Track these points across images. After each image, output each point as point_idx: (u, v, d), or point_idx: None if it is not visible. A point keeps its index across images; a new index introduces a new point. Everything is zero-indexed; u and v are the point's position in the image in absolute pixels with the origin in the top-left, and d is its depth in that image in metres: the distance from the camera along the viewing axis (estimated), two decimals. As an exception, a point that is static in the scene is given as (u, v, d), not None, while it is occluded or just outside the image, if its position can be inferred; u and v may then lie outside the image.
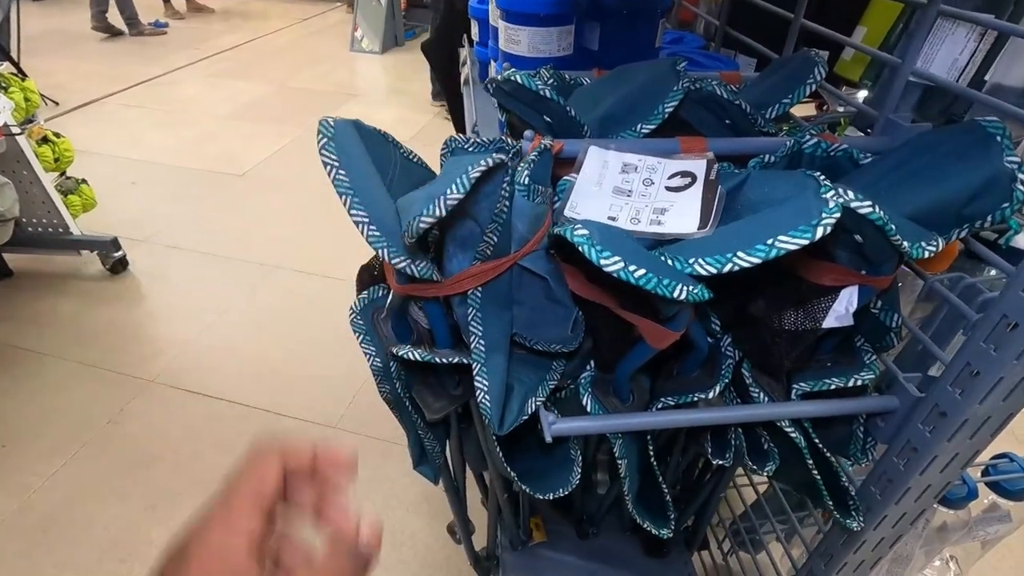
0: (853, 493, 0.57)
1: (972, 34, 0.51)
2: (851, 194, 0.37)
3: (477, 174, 0.35)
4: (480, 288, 0.45)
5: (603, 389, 0.53)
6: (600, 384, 0.53)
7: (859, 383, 0.52)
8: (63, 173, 1.98)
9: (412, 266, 0.40)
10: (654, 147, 0.50)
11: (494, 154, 0.36)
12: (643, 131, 0.53)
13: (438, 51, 1.29)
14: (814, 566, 0.68)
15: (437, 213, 0.34)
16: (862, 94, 0.77)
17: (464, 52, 1.09)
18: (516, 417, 0.47)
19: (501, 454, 0.50)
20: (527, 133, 0.47)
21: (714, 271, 0.38)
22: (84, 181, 2.05)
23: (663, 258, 0.40)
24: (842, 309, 0.46)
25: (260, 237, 2.27)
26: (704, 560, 1.09)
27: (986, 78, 0.55)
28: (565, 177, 0.47)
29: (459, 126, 1.34)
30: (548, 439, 0.48)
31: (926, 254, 0.40)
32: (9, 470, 1.41)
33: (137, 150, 2.90)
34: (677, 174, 0.45)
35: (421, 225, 0.35)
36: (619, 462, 0.54)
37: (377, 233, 0.39)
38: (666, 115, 0.52)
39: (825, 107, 0.91)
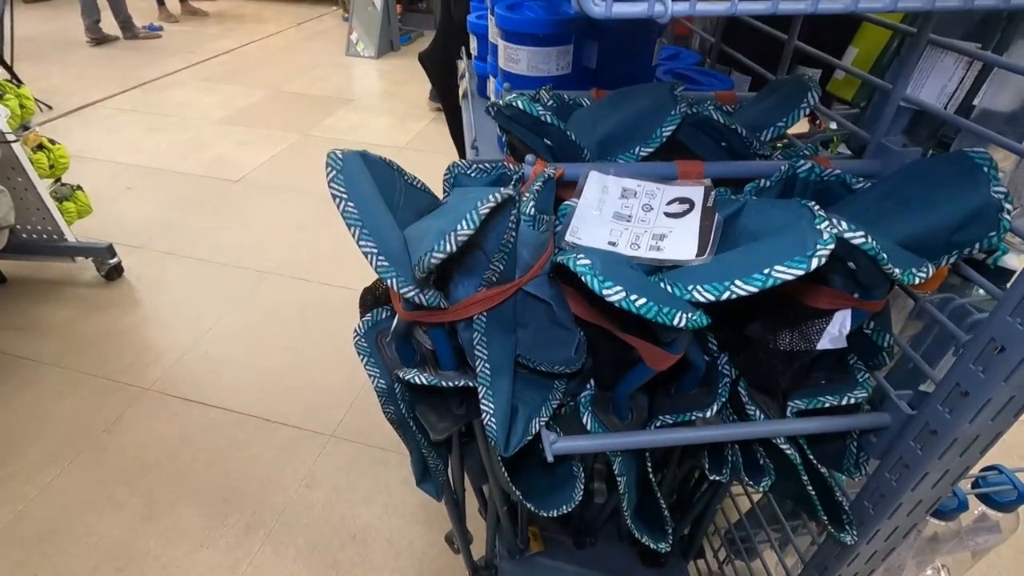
0: (847, 508, 0.58)
1: (960, 62, 0.53)
2: (844, 224, 0.38)
3: (486, 210, 0.36)
4: (485, 313, 0.46)
5: (603, 407, 0.54)
6: (600, 402, 0.54)
7: (852, 401, 0.53)
8: (58, 180, 1.98)
9: (421, 295, 0.41)
10: (652, 171, 0.51)
11: (501, 189, 0.37)
12: (641, 154, 0.54)
13: (434, 63, 1.30)
14: (809, 577, 0.70)
15: (448, 249, 0.35)
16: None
17: (462, 65, 1.10)
18: (521, 438, 0.48)
19: (506, 474, 0.51)
20: (529, 158, 0.48)
21: (712, 299, 0.39)
22: (79, 187, 2.04)
23: (662, 284, 0.41)
24: (836, 331, 0.47)
25: (256, 243, 2.27)
26: (700, 569, 1.10)
27: (975, 103, 0.56)
28: (566, 202, 0.48)
29: (457, 140, 1.35)
30: (550, 459, 0.49)
31: (917, 280, 0.42)
32: (3, 479, 1.40)
33: (132, 155, 2.89)
34: (676, 200, 0.46)
35: (432, 261, 0.35)
36: (618, 479, 0.55)
37: (386, 264, 0.40)
38: (664, 139, 0.53)
39: (818, 123, 0.93)
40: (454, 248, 0.35)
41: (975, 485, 0.73)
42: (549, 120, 0.50)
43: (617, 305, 0.36)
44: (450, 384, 0.47)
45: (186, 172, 2.76)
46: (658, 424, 0.53)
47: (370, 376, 0.53)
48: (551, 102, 0.60)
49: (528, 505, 0.53)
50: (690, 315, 0.38)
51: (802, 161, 0.50)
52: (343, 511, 1.36)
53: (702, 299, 0.39)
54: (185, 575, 1.23)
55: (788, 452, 0.55)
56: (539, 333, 0.48)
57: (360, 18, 4.25)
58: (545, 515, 0.54)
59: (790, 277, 0.36)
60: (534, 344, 0.48)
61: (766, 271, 0.37)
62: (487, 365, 0.46)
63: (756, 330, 0.50)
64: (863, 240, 0.37)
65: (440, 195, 0.51)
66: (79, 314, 1.92)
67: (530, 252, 0.43)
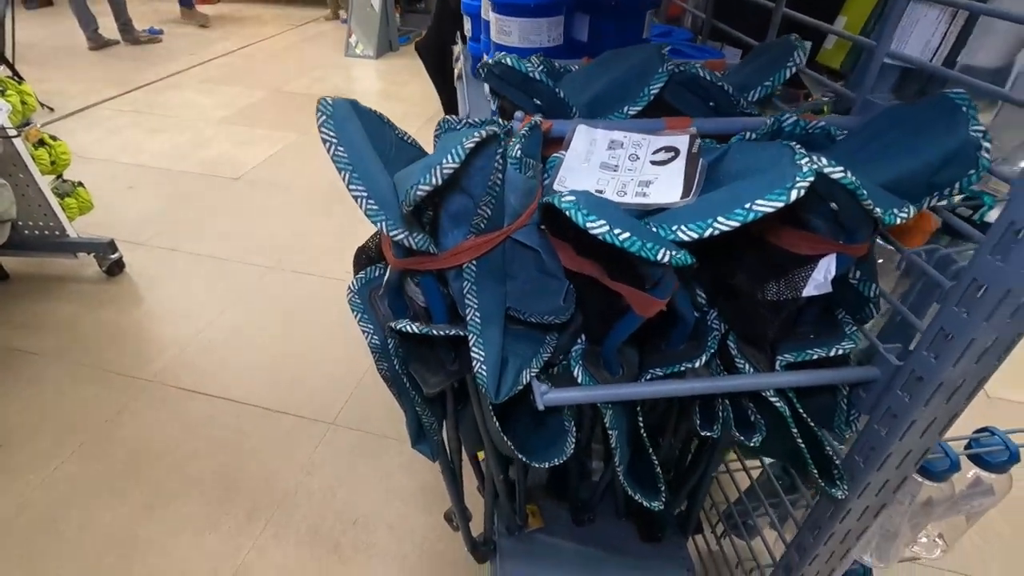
0: (837, 462, 0.59)
1: (943, 16, 0.53)
2: (824, 160, 0.39)
3: (471, 144, 0.36)
4: (475, 261, 0.47)
5: (593, 362, 0.55)
6: (590, 357, 0.55)
7: (841, 352, 0.54)
8: (60, 176, 1.99)
9: (410, 238, 0.42)
10: (640, 126, 0.52)
11: (487, 127, 0.38)
12: (630, 113, 0.55)
13: (430, 50, 1.31)
14: (803, 539, 0.70)
15: (434, 181, 0.36)
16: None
17: (457, 50, 1.11)
18: (511, 387, 0.49)
19: (498, 424, 0.52)
20: (517, 113, 0.49)
21: (696, 236, 0.39)
22: (80, 184, 2.06)
23: (648, 226, 0.42)
24: (821, 277, 0.48)
25: (256, 239, 2.28)
26: (699, 546, 1.10)
27: (959, 59, 0.57)
28: (554, 154, 0.49)
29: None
30: (540, 407, 0.49)
31: (898, 220, 0.42)
32: (8, 470, 1.41)
33: (133, 155, 2.91)
34: (661, 149, 0.47)
35: (419, 193, 0.36)
36: (610, 432, 0.55)
37: (375, 207, 0.41)
38: (651, 97, 0.54)
39: (808, 97, 0.93)
40: (439, 181, 0.36)
41: (968, 447, 0.73)
42: (538, 77, 0.51)
43: (601, 239, 0.37)
44: (441, 333, 0.48)
45: (187, 171, 2.78)
46: (648, 377, 0.54)
47: (364, 332, 0.54)
48: (541, 67, 0.61)
49: (521, 456, 0.54)
50: (674, 252, 0.39)
51: (787, 114, 0.51)
52: (344, 497, 1.37)
53: (686, 237, 0.40)
54: (187, 561, 1.24)
55: (777, 405, 0.55)
56: (528, 284, 0.49)
57: (359, 19, 4.28)
58: (538, 466, 0.55)
59: (771, 210, 0.37)
60: (524, 295, 0.49)
61: (747, 205, 0.38)
62: (477, 314, 0.47)
63: (743, 281, 0.51)
64: (842, 175, 0.38)
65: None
66: (81, 309, 1.93)
67: (518, 198, 0.44)
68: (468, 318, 0.47)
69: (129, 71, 4.01)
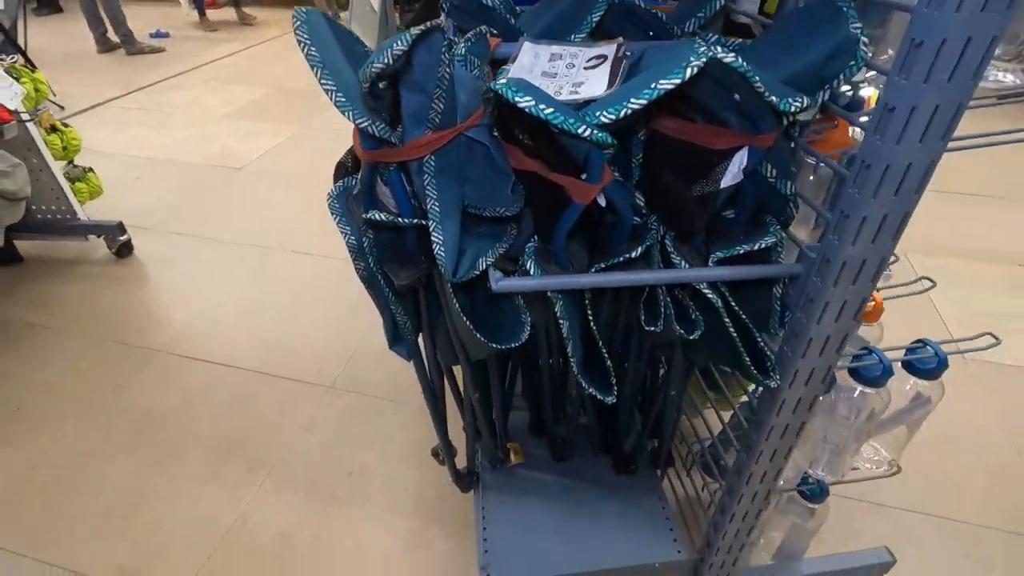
0: (769, 354, 0.66)
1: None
2: (719, 49, 0.46)
3: (417, 31, 0.44)
4: (433, 157, 0.54)
5: (545, 259, 0.62)
6: (542, 254, 0.62)
7: (764, 246, 0.61)
8: (71, 162, 2.09)
9: (373, 126, 0.49)
10: (586, 44, 0.59)
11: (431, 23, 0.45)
12: (576, 39, 0.62)
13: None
14: (749, 438, 0.76)
15: (387, 61, 0.44)
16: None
17: (440, 20, 1.19)
18: (468, 269, 0.56)
19: (457, 305, 0.59)
20: (470, 33, 0.56)
21: (614, 118, 0.47)
22: (91, 169, 2.15)
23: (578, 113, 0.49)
24: (735, 168, 0.55)
25: (258, 223, 2.37)
26: (676, 488, 1.16)
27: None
28: (503, 67, 0.56)
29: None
30: (494, 289, 0.56)
31: (793, 107, 0.49)
32: (24, 431, 1.49)
33: (140, 149, 3.01)
34: (593, 57, 0.54)
35: (373, 71, 0.44)
36: (561, 322, 0.62)
37: (343, 99, 0.48)
38: (594, 25, 0.62)
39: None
40: (389, 60, 0.44)
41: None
42: (491, 4, 0.58)
43: (528, 113, 0.44)
44: (405, 221, 0.55)
45: (192, 163, 2.88)
46: (593, 270, 0.61)
47: (342, 233, 0.61)
48: (502, 5, 0.69)
49: (478, 335, 0.61)
50: (594, 130, 0.46)
51: (710, 34, 0.58)
52: (340, 452, 1.44)
53: (606, 119, 0.47)
54: (192, 508, 1.31)
55: (711, 296, 0.62)
56: (482, 183, 0.56)
57: (359, 19, 4.37)
58: (496, 347, 0.62)
59: (671, 86, 0.44)
60: (478, 191, 0.56)
61: (652, 86, 0.45)
62: (436, 204, 0.54)
63: (672, 180, 0.58)
64: (732, 59, 0.45)
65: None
66: (92, 288, 2.02)
67: (467, 95, 0.51)
68: (428, 208, 0.54)
69: (136, 72, 4.13)
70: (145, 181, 2.72)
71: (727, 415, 1.05)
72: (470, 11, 0.61)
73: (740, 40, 0.57)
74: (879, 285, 0.89)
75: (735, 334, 0.64)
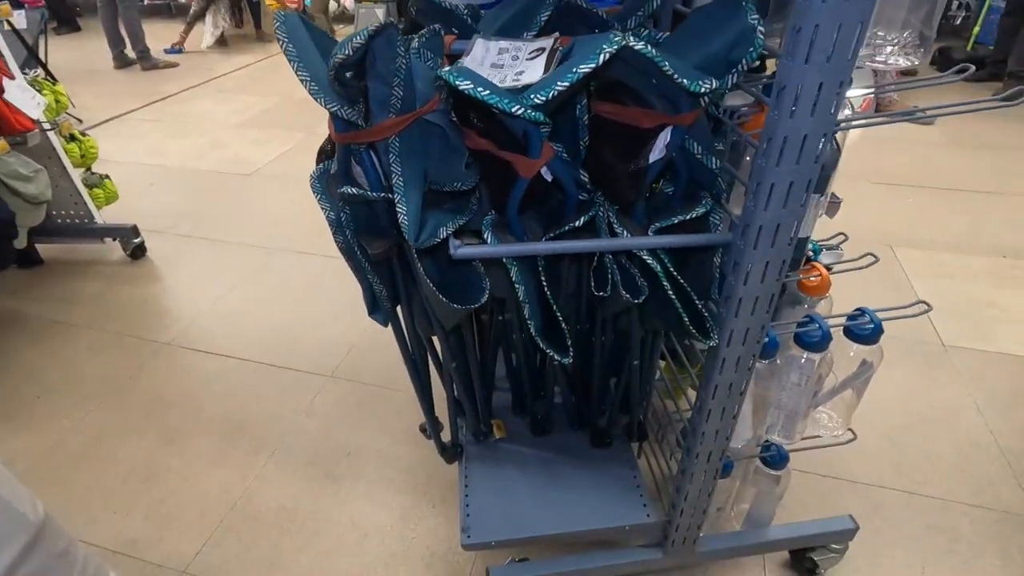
0: (707, 316, 0.73)
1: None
2: (632, 38, 0.54)
3: (372, 29, 0.52)
4: (397, 138, 0.62)
5: (502, 230, 0.70)
6: (499, 226, 0.70)
7: (696, 215, 0.68)
8: (88, 169, 2.21)
9: (342, 110, 0.58)
10: (530, 40, 0.67)
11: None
12: (528, 36, 0.71)
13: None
14: (699, 399, 0.83)
15: (347, 52, 0.52)
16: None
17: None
18: (429, 236, 0.64)
19: (423, 269, 0.67)
20: (424, 30, 0.65)
21: (544, 99, 0.55)
22: (107, 176, 2.27)
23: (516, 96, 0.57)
24: (661, 145, 0.63)
25: (265, 225, 2.47)
26: (650, 461, 1.22)
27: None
28: (457, 60, 0.64)
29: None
30: (453, 255, 0.64)
31: (702, 88, 0.57)
32: (44, 415, 1.59)
33: (154, 157, 3.15)
34: (534, 50, 0.62)
35: (336, 60, 0.52)
36: (516, 287, 0.70)
37: (316, 88, 0.57)
38: (542, 23, 0.70)
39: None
40: (349, 52, 0.52)
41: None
42: (449, 6, 0.67)
43: (468, 95, 0.53)
44: (373, 194, 0.63)
45: (204, 169, 3.00)
46: (544, 240, 0.69)
47: (322, 209, 0.70)
48: (466, 10, 0.77)
49: (443, 298, 0.69)
50: (527, 109, 0.54)
51: (641, 29, 0.66)
52: (339, 435, 1.52)
53: (539, 100, 0.55)
54: (201, 485, 1.40)
55: (650, 262, 0.70)
56: (441, 162, 0.65)
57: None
58: (458, 307, 0.70)
59: (588, 70, 0.52)
60: (437, 168, 0.64)
61: (574, 70, 0.53)
62: (400, 179, 0.62)
63: (609, 155, 0.66)
64: (642, 46, 0.53)
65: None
66: (108, 287, 2.13)
67: (424, 83, 0.60)
68: (393, 182, 0.63)
69: (151, 86, 4.30)
70: (158, 187, 2.84)
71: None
72: (433, 14, 0.69)
73: (667, 33, 0.65)
74: (828, 262, 0.97)
75: (674, 297, 0.71)
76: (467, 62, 0.63)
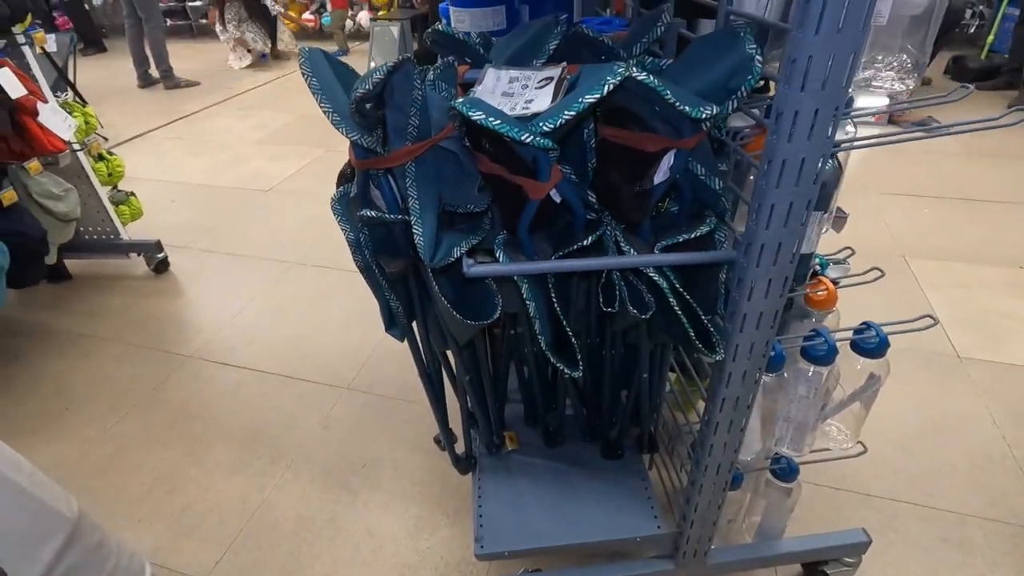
0: (712, 330, 0.75)
1: (765, -19, 0.71)
2: (635, 70, 0.57)
3: (391, 64, 0.56)
4: (413, 164, 0.66)
5: (514, 248, 0.73)
6: (511, 245, 0.73)
7: (700, 233, 0.71)
8: (115, 187, 2.29)
9: (362, 139, 0.61)
10: (539, 69, 0.71)
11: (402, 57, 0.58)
12: (537, 64, 0.74)
13: (425, 57, 1.54)
14: (708, 412, 0.85)
15: (368, 87, 0.56)
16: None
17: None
18: (444, 256, 0.67)
19: (437, 287, 0.70)
20: (439, 63, 0.68)
21: (552, 126, 0.58)
22: (132, 194, 2.35)
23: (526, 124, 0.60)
24: (665, 168, 0.65)
25: (283, 240, 2.53)
26: (661, 472, 1.23)
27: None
28: (470, 89, 0.68)
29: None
30: (466, 273, 0.67)
31: (703, 115, 0.60)
32: (72, 427, 1.65)
33: (176, 174, 3.24)
34: (543, 79, 0.65)
35: (357, 95, 0.56)
36: (527, 303, 0.73)
37: (338, 118, 0.60)
38: (551, 51, 0.73)
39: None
40: (370, 87, 0.56)
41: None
42: (462, 37, 0.70)
43: (480, 125, 0.56)
44: (391, 217, 0.67)
45: (223, 186, 3.08)
46: (553, 259, 0.72)
47: (342, 230, 0.73)
48: (478, 39, 0.81)
49: (455, 314, 0.71)
50: (536, 136, 0.57)
51: (647, 57, 0.69)
52: (354, 446, 1.55)
53: (547, 128, 0.58)
54: (221, 494, 1.43)
55: (656, 279, 0.72)
56: (455, 185, 0.68)
57: (379, 47, 4.63)
58: (472, 323, 0.72)
59: (593, 100, 0.55)
60: (451, 191, 0.68)
61: (580, 100, 0.56)
62: (416, 202, 0.66)
63: (616, 178, 0.69)
64: (645, 77, 0.56)
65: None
66: (132, 300, 2.20)
67: (439, 113, 0.63)
68: (410, 205, 0.66)
69: (174, 104, 4.43)
70: (180, 203, 2.92)
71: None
72: (447, 44, 0.73)
73: (670, 61, 0.68)
74: (835, 276, 0.98)
75: (681, 313, 0.73)
76: (479, 91, 0.67)
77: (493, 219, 0.74)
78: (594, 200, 0.73)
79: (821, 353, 0.85)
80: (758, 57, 0.58)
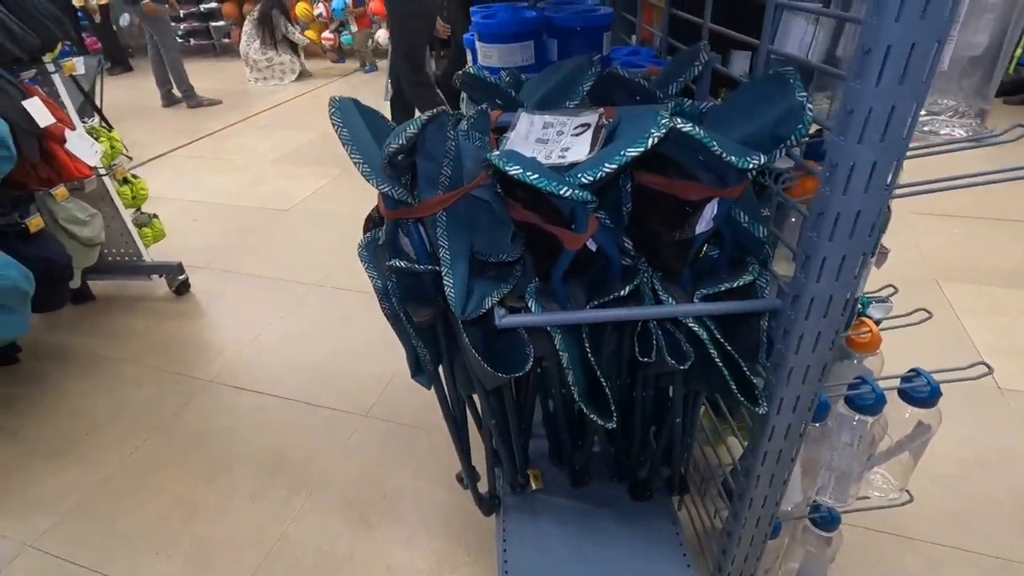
0: (756, 382, 0.71)
1: (809, 21, 0.68)
2: (679, 120, 0.54)
3: (425, 117, 0.54)
4: (444, 213, 0.63)
5: (547, 297, 0.70)
6: (543, 293, 0.70)
7: (742, 283, 0.67)
8: (138, 209, 2.31)
9: (392, 190, 0.59)
10: (574, 113, 0.68)
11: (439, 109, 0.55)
12: (570, 106, 0.72)
13: (446, 79, 1.54)
14: (746, 462, 0.81)
15: (401, 142, 0.54)
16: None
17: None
18: (476, 307, 0.65)
19: (468, 338, 0.68)
20: (472, 112, 0.66)
21: (592, 179, 0.55)
22: (155, 215, 2.37)
23: (563, 176, 0.57)
24: (707, 217, 0.62)
25: (303, 261, 2.53)
26: (692, 515, 1.19)
27: (837, 53, 0.71)
28: (503, 135, 0.66)
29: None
30: (497, 324, 0.65)
31: (751, 165, 0.57)
32: (93, 450, 1.64)
33: (198, 193, 3.28)
34: (579, 125, 0.63)
35: (390, 149, 0.54)
36: (561, 354, 0.70)
37: (368, 169, 0.59)
38: (584, 92, 0.71)
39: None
40: (403, 141, 0.53)
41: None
42: (493, 81, 0.68)
43: (517, 179, 0.53)
44: (421, 267, 0.65)
45: (244, 205, 3.11)
46: (588, 308, 0.69)
47: (370, 277, 0.71)
48: (508, 78, 0.79)
49: (485, 365, 0.69)
50: (575, 189, 0.55)
51: (685, 99, 0.66)
52: (374, 476, 1.52)
53: (586, 180, 0.55)
54: (239, 523, 1.42)
55: (696, 329, 0.69)
56: (487, 232, 0.66)
57: (397, 66, 4.66)
58: (502, 376, 0.70)
59: (636, 153, 0.53)
60: (484, 240, 0.65)
61: (622, 153, 0.53)
62: (448, 252, 0.63)
63: (657, 226, 0.66)
64: (690, 128, 0.53)
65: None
66: (154, 322, 2.21)
67: (472, 162, 0.61)
68: (441, 255, 0.64)
69: (196, 122, 4.50)
70: (202, 223, 2.95)
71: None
72: (478, 87, 0.71)
73: (709, 103, 0.65)
74: (877, 316, 0.94)
75: (721, 364, 0.70)
76: (512, 137, 0.65)
77: (524, 265, 0.71)
78: (630, 246, 0.70)
79: (868, 403, 0.80)
80: (809, 106, 0.55)
